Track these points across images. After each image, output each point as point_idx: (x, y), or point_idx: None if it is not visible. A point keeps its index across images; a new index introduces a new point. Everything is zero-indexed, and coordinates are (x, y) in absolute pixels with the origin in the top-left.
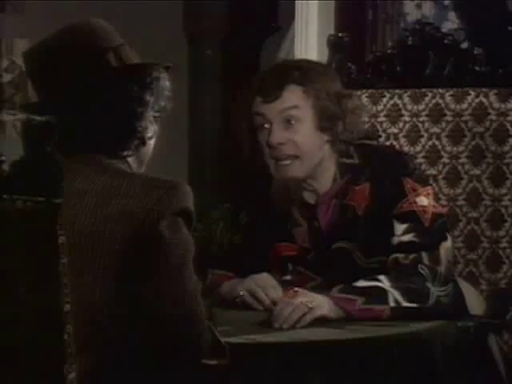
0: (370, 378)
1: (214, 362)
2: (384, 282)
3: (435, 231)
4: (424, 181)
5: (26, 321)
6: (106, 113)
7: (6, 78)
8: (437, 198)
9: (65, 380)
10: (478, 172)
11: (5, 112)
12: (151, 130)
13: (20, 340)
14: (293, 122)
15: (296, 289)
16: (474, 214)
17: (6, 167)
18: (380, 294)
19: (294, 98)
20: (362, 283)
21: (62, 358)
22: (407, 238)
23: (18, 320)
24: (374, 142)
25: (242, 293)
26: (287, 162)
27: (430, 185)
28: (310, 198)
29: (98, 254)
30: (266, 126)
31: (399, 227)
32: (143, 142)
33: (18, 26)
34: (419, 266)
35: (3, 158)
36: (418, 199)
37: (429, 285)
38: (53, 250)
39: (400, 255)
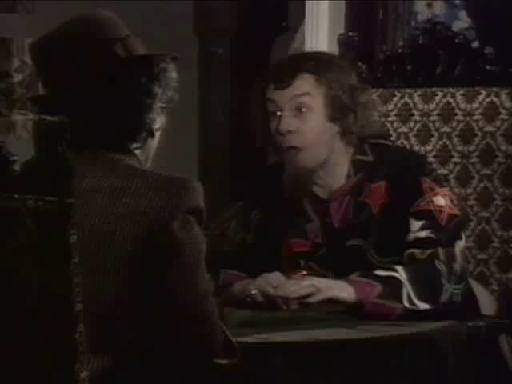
0: (380, 378)
1: (225, 362)
2: (401, 273)
3: (451, 229)
4: (441, 182)
5: (38, 320)
6: (114, 104)
7: (17, 78)
8: (453, 200)
9: (76, 379)
10: (488, 171)
11: (16, 112)
12: (159, 122)
13: (31, 339)
14: (304, 110)
15: (303, 272)
16: (485, 214)
17: (17, 167)
18: (395, 286)
19: (306, 85)
20: (379, 272)
21: (73, 357)
22: (424, 234)
23: (30, 319)
24: (389, 142)
25: (253, 292)
26: (297, 151)
27: (447, 186)
28: (322, 193)
29: (109, 254)
30: (278, 113)
31: (415, 224)
32: (151, 134)
33: (28, 26)
34: (436, 261)
35: (14, 157)
36: (435, 199)
37: (444, 281)
38: (64, 250)
39: (416, 250)
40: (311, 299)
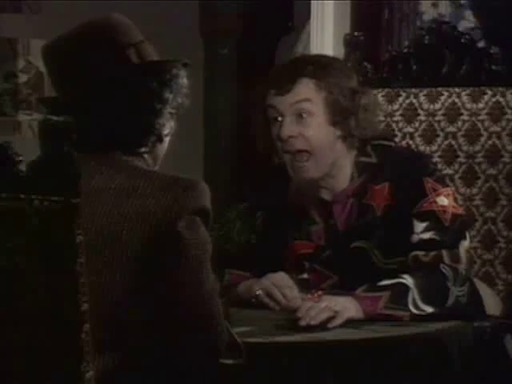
0: (385, 378)
1: (229, 362)
2: (407, 279)
3: (455, 230)
4: (444, 181)
5: (44, 320)
6: (125, 109)
7: (23, 78)
8: (456, 199)
9: (82, 379)
10: (494, 172)
11: (21, 112)
12: (168, 127)
13: (38, 339)
14: (304, 115)
15: (320, 292)
16: (491, 214)
17: (22, 167)
18: (402, 293)
19: (306, 91)
20: (385, 282)
21: (79, 356)
22: (427, 235)
23: (36, 319)
24: (392, 143)
25: (258, 292)
26: (302, 163)
27: (450, 186)
28: (326, 195)
29: (115, 254)
30: (279, 119)
31: (419, 225)
32: (160, 139)
33: (34, 26)
34: (441, 265)
35: (20, 157)
36: (438, 199)
37: (449, 284)
38: (70, 250)
39: (420, 252)
40: (331, 325)
